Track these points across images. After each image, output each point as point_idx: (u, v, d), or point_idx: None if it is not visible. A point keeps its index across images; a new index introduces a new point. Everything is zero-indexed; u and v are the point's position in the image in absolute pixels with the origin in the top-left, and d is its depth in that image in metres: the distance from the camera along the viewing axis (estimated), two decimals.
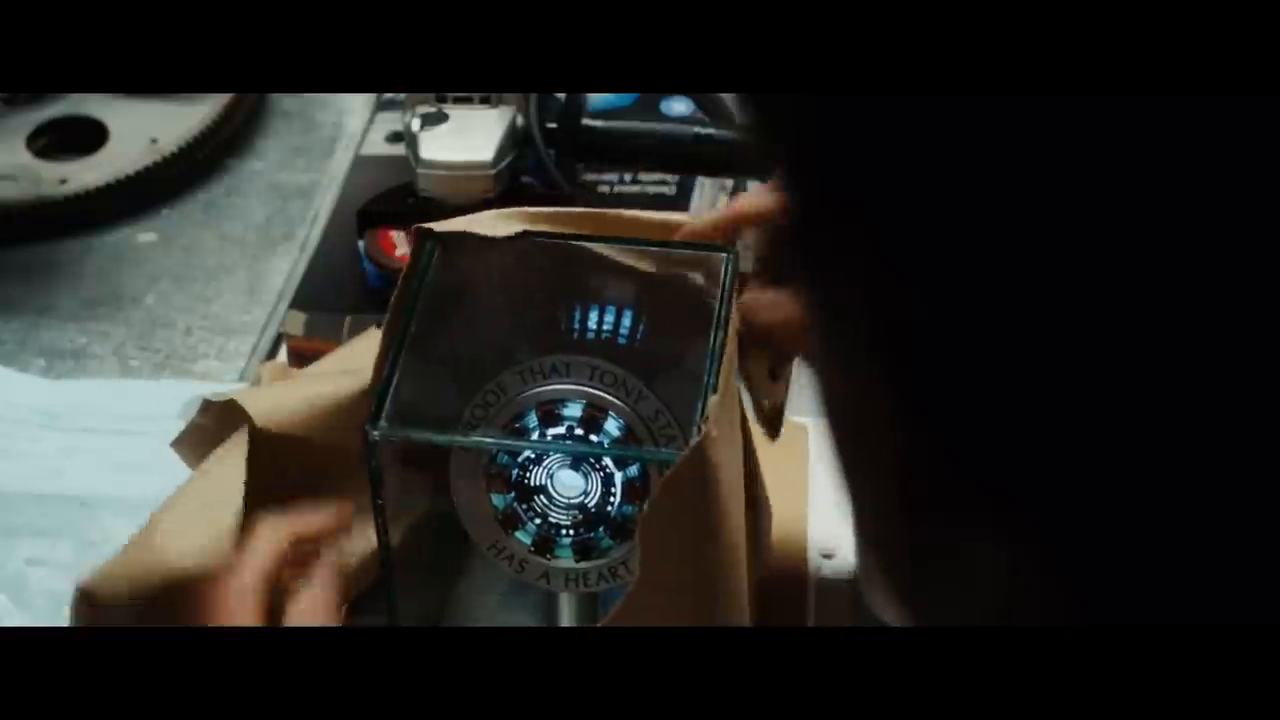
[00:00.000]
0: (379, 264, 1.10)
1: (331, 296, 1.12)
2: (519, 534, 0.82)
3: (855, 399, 0.34)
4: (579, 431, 0.81)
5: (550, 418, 0.81)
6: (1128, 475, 0.30)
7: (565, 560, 0.82)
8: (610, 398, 0.81)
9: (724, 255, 0.83)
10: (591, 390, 0.81)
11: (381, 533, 0.78)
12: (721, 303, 0.81)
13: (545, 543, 0.82)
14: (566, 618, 0.86)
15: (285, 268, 1.16)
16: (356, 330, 1.00)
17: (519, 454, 0.81)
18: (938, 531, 0.34)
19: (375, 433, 0.76)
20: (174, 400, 1.04)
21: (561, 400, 0.81)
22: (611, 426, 0.81)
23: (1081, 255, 0.29)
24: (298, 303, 1.12)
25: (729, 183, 1.17)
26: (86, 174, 1.20)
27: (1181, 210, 0.28)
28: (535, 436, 0.82)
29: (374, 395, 0.78)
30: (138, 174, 1.20)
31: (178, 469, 0.98)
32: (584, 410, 0.81)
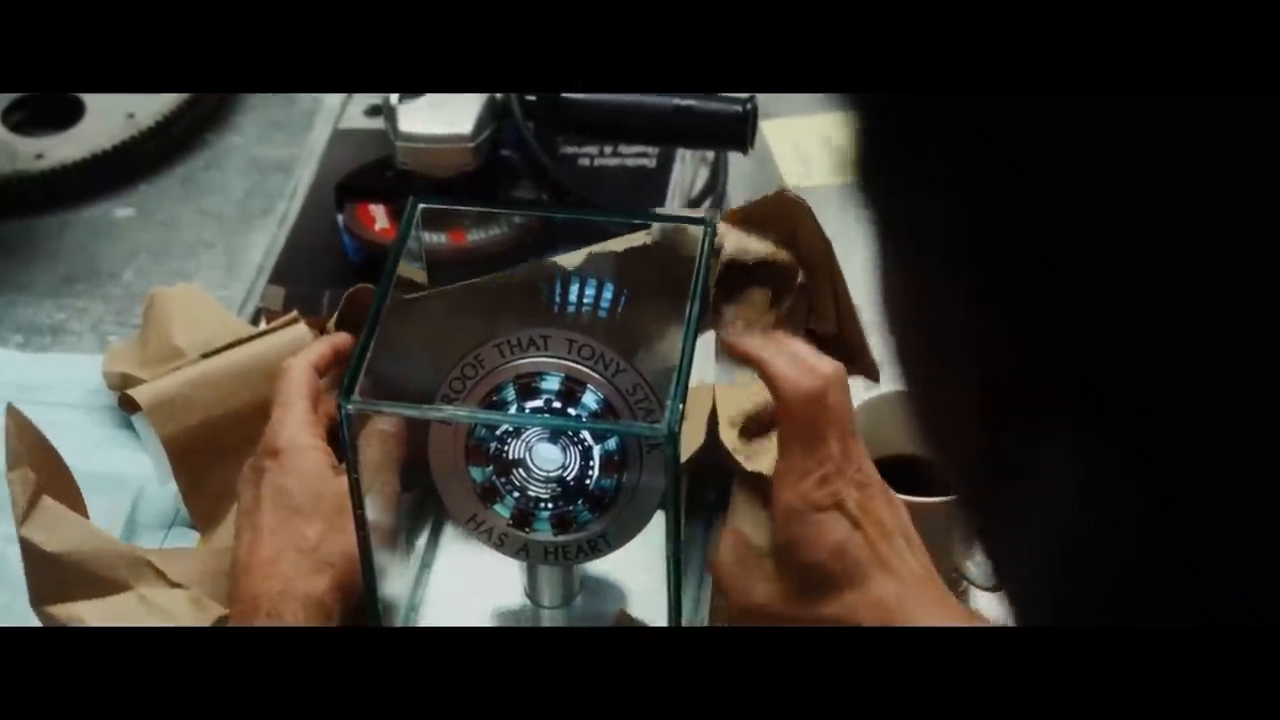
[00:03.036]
0: (358, 238, 1.09)
1: (310, 271, 1.11)
2: (498, 507, 0.82)
3: (931, 308, 0.34)
4: (557, 405, 0.81)
5: (528, 391, 0.81)
6: (1215, 377, 0.30)
7: (544, 533, 0.82)
8: (588, 371, 0.81)
9: (701, 227, 0.82)
10: (570, 363, 0.81)
11: (358, 508, 0.78)
12: (698, 275, 0.80)
13: (524, 516, 0.82)
14: (546, 591, 0.86)
15: (264, 242, 1.16)
16: (336, 304, 1.00)
17: (497, 427, 0.81)
18: (1014, 436, 0.34)
19: (349, 406, 0.76)
20: None
21: (540, 373, 0.81)
22: (589, 400, 0.81)
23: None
24: (277, 277, 1.12)
25: (709, 154, 1.16)
26: (63, 149, 1.20)
27: None
28: (513, 410, 0.81)
29: (349, 368, 0.77)
30: (115, 149, 1.20)
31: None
32: (562, 383, 0.81)
